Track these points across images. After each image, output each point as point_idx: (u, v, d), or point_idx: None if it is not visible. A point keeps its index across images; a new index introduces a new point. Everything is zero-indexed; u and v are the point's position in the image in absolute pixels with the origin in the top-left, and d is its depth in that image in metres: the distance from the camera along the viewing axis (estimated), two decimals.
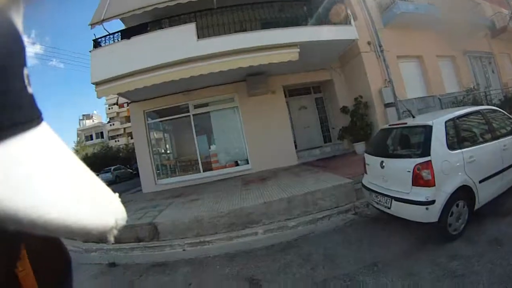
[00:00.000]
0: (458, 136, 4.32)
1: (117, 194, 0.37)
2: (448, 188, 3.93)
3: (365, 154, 5.39)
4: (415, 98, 11.11)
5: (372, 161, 4.99)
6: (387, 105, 10.42)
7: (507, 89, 14.83)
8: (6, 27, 0.26)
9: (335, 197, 6.08)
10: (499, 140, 4.71)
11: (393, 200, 4.30)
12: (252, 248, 4.96)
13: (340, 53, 11.03)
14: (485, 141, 4.59)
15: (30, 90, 0.30)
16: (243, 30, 9.44)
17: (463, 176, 4.06)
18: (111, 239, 0.32)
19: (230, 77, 10.51)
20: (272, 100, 11.59)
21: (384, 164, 4.64)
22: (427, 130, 4.23)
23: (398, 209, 4.24)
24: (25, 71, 0.30)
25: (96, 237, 0.30)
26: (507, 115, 5.31)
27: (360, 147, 10.62)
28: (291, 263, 4.16)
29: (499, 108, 5.57)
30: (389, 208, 4.38)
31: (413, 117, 5.25)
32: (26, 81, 0.30)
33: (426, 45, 12.09)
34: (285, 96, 12.27)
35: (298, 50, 8.93)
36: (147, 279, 4.48)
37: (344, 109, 11.62)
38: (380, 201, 4.61)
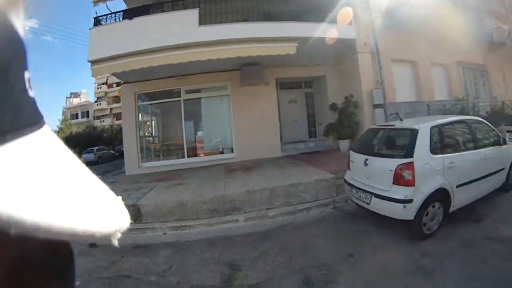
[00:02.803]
0: (442, 142, 4.51)
1: (120, 197, 0.38)
2: (426, 189, 4.10)
3: (351, 151, 5.52)
4: (404, 102, 11.14)
5: (357, 158, 5.12)
6: (375, 106, 10.51)
7: (496, 102, 15.09)
8: (6, 30, 0.26)
9: (316, 190, 6.19)
10: (480, 150, 4.94)
11: (373, 197, 4.44)
12: (233, 235, 5.04)
13: (337, 51, 10.97)
14: (467, 149, 4.81)
15: (31, 93, 0.30)
16: (246, 20, 9.37)
17: (441, 180, 4.24)
18: (115, 242, 0.32)
19: (225, 65, 10.45)
20: (263, 91, 11.60)
21: (368, 162, 4.77)
22: (413, 133, 4.39)
23: (377, 206, 4.40)
24: (26, 74, 0.30)
25: (99, 240, 0.29)
26: (491, 127, 5.56)
27: (344, 144, 10.74)
28: (269, 251, 4.25)
29: (485, 120, 5.77)
30: (368, 204, 4.53)
31: (401, 120, 5.38)
32: (27, 84, 0.30)
33: (422, 51, 12.13)
34: (276, 89, 12.27)
35: (297, 44, 8.98)
36: (128, 260, 4.48)
37: (333, 106, 11.68)
38: (360, 196, 4.75)
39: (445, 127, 4.73)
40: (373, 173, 4.65)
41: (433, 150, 4.30)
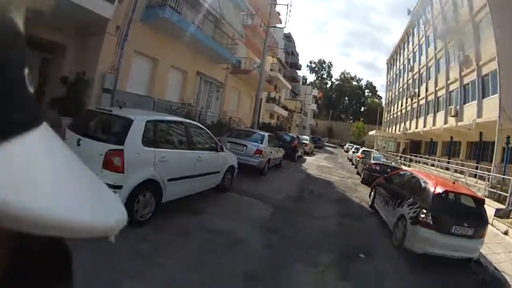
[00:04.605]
0: (155, 137, 4.68)
1: (118, 194, 0.32)
2: (136, 178, 4.16)
3: (67, 129, 4.94)
4: (134, 93, 11.05)
5: (71, 137, 4.62)
6: (104, 90, 9.94)
7: (225, 116, 17.63)
8: (6, 27, 0.25)
9: None
10: (195, 151, 5.47)
11: None
12: None
13: (85, 23, 9.45)
14: (181, 148, 5.21)
15: (30, 90, 0.29)
16: None
17: (152, 171, 4.38)
18: (112, 239, 0.31)
19: None
20: None
21: (81, 142, 4.40)
22: (128, 123, 4.37)
23: None
24: (26, 71, 0.29)
25: (97, 237, 0.29)
26: (210, 134, 6.29)
27: (67, 122, 9.45)
28: None
29: (209, 127, 6.45)
30: None
31: (120, 107, 5.35)
32: (26, 81, 0.29)
33: (168, 53, 12.61)
34: None
35: None
36: None
37: (63, 79, 10.15)
38: None
39: (161, 124, 4.96)
40: (84, 155, 4.25)
41: (145, 143, 4.39)
